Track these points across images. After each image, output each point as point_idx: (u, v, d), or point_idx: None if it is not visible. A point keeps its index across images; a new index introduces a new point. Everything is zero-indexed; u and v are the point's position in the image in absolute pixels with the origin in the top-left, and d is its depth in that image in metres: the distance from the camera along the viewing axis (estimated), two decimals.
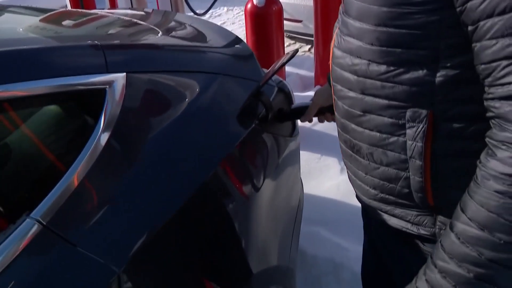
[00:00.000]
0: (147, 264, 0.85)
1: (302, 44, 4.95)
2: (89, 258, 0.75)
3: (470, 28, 0.66)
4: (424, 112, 0.75)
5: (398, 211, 0.88)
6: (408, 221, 0.88)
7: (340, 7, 0.99)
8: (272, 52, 3.21)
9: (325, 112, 1.26)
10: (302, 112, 1.29)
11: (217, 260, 1.04)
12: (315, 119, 1.32)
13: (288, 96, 1.48)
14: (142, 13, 1.85)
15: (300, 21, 4.57)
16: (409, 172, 0.81)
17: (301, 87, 3.66)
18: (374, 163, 0.86)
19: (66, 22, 1.38)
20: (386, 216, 0.91)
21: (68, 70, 0.86)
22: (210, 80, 1.17)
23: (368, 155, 0.86)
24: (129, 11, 1.93)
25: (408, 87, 0.75)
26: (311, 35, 3.86)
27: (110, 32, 1.33)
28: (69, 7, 3.44)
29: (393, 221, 0.90)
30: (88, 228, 0.79)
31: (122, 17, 1.56)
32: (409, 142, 0.78)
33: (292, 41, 5.07)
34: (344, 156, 0.97)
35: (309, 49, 4.74)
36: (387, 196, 0.87)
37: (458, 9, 0.67)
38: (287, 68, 3.78)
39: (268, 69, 1.35)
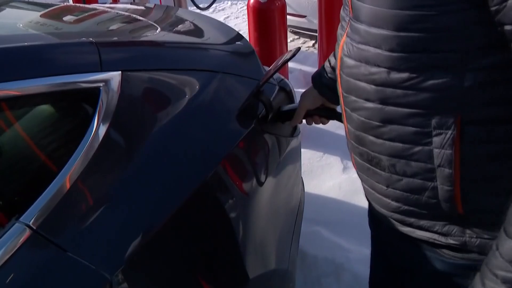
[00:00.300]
0: (141, 269, 0.83)
1: (306, 39, 4.91)
2: (80, 263, 0.74)
3: (509, 27, 0.62)
4: (451, 118, 0.72)
5: (423, 222, 0.84)
6: (435, 232, 0.83)
7: (342, 12, 0.94)
8: (274, 49, 3.18)
9: (313, 115, 1.23)
10: (291, 115, 1.26)
11: (215, 262, 1.03)
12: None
13: (289, 95, 1.45)
14: (143, 8, 1.82)
15: (304, 16, 4.53)
16: (436, 181, 0.77)
17: (304, 83, 3.63)
18: (396, 175, 0.81)
19: (64, 18, 1.36)
20: (409, 229, 0.87)
21: (61, 69, 0.84)
22: (209, 78, 1.14)
23: (389, 167, 0.82)
24: (130, 6, 1.90)
25: (433, 93, 0.71)
26: (315, 31, 3.84)
27: (107, 28, 1.30)
28: (70, 2, 3.41)
29: (418, 233, 0.86)
30: (80, 233, 0.77)
31: (121, 12, 1.53)
32: (436, 150, 0.74)
33: (296, 37, 5.03)
34: (360, 169, 0.92)
35: (313, 45, 4.71)
36: (411, 208, 0.83)
37: (494, 8, 0.63)
38: (291, 64, 3.75)
39: (270, 66, 1.32)
